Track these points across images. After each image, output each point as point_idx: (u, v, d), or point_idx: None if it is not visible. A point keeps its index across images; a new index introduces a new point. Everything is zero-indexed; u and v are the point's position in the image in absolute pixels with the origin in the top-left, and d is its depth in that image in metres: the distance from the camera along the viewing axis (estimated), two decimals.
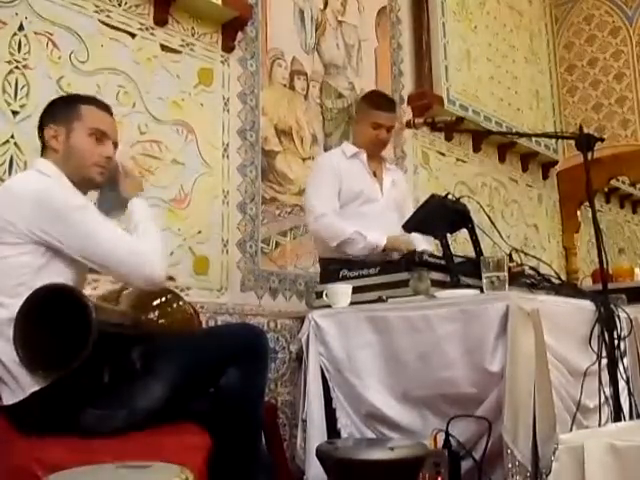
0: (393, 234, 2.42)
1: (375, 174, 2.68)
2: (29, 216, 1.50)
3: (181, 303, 1.81)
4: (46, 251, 1.52)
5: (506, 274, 1.81)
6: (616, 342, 1.88)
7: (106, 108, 1.74)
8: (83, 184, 1.69)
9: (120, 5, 2.53)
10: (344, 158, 2.64)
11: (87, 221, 1.55)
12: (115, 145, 1.73)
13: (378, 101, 2.67)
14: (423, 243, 2.58)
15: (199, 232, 2.67)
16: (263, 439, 1.81)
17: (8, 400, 1.51)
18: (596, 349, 1.86)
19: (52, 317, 1.47)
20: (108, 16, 2.48)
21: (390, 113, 2.63)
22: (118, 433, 1.47)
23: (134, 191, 1.77)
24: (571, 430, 1.73)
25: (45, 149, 1.68)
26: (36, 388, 1.47)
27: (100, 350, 1.44)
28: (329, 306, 2.13)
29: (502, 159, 4.52)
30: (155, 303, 1.82)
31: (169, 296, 1.84)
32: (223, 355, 1.66)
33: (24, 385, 1.48)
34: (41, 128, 1.68)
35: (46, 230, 1.50)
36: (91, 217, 1.56)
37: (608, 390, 1.85)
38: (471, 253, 2.22)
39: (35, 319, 1.44)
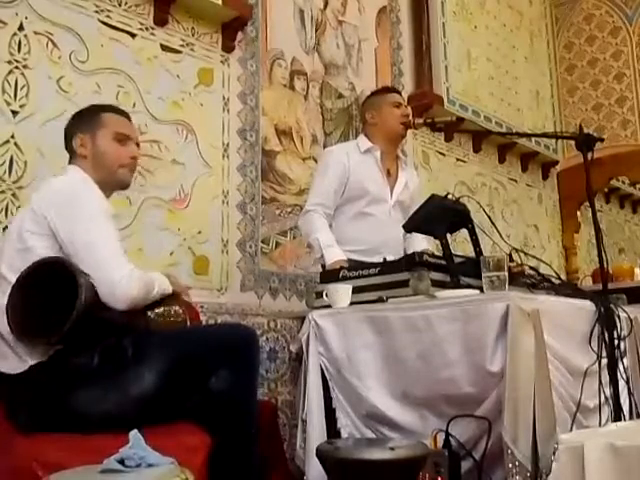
0: (397, 237, 2.51)
1: (389, 172, 2.64)
2: (53, 205, 1.61)
3: (176, 307, 1.80)
4: (60, 250, 1.60)
5: (506, 274, 1.81)
6: (616, 342, 1.88)
7: (124, 113, 1.90)
8: (112, 186, 1.84)
9: (120, 5, 2.53)
10: (358, 152, 2.61)
11: (97, 222, 1.63)
12: (137, 145, 1.89)
13: (386, 88, 2.86)
14: (423, 243, 2.58)
15: (199, 232, 2.67)
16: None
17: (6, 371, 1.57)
18: (596, 349, 1.86)
19: (46, 291, 1.52)
20: (108, 16, 2.48)
21: (400, 95, 2.77)
22: (109, 417, 1.51)
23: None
24: (571, 430, 1.72)
25: (74, 157, 1.81)
26: (32, 362, 1.53)
27: (91, 331, 1.52)
28: (329, 306, 2.12)
29: (502, 159, 4.52)
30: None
31: (166, 298, 1.83)
32: (213, 352, 1.68)
33: (22, 356, 1.54)
34: (68, 138, 1.82)
35: (53, 215, 1.59)
36: (103, 224, 1.64)
37: (608, 390, 1.85)
38: (471, 253, 2.21)
39: (29, 291, 1.51)
